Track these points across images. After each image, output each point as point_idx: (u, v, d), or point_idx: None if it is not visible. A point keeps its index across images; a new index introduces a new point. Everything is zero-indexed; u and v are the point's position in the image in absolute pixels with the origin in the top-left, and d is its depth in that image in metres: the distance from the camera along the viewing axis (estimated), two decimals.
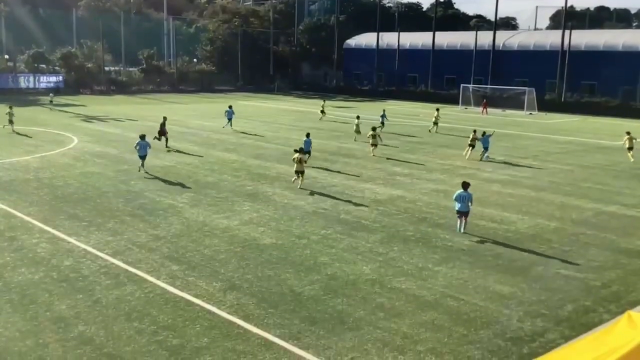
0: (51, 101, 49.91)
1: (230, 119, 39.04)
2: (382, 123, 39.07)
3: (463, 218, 16.80)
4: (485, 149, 29.56)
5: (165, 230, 16.21)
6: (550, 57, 64.39)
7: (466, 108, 61.16)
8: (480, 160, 29.03)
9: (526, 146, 34.76)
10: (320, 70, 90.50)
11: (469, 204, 16.65)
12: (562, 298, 12.17)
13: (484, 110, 55.90)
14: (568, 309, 11.66)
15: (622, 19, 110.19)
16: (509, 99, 59.86)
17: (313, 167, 26.08)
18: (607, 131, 42.65)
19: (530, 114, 56.66)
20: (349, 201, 20.01)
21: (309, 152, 26.22)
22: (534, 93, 59.11)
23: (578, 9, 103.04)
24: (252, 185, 22.27)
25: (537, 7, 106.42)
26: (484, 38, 71.25)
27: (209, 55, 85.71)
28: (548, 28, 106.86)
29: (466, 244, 15.58)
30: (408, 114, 53.91)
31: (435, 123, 39.54)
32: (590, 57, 62.17)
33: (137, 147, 24.51)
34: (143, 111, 51.19)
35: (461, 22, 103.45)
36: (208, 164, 26.35)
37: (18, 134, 34.17)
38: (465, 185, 16.83)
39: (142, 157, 24.43)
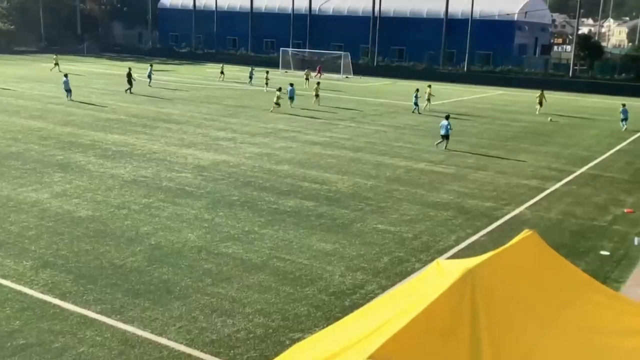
0: None
1: (68, 90, 33.97)
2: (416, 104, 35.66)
3: (445, 140, 24.45)
4: (416, 104, 35.20)
5: None
6: (363, 22, 67.29)
7: (286, 71, 61.99)
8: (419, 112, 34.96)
9: (343, 109, 36.16)
10: (134, 31, 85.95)
11: (449, 129, 24.31)
12: (379, 251, 12.97)
13: (319, 74, 56.82)
14: (384, 260, 12.47)
15: None
16: (327, 63, 61.72)
17: (131, 134, 24.91)
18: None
19: (347, 77, 58.97)
20: (171, 168, 19.45)
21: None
22: (349, 57, 61.49)
23: None
24: (63, 154, 20.71)
25: None
26: (301, 2, 72.37)
27: (6, 13, 77.44)
28: None
29: (290, 206, 15.94)
30: (229, 77, 53.29)
31: None
32: (399, 23, 66.05)
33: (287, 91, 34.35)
34: None
35: None
36: (10, 133, 23.99)
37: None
38: (447, 117, 25.11)
39: (291, 99, 34.52)
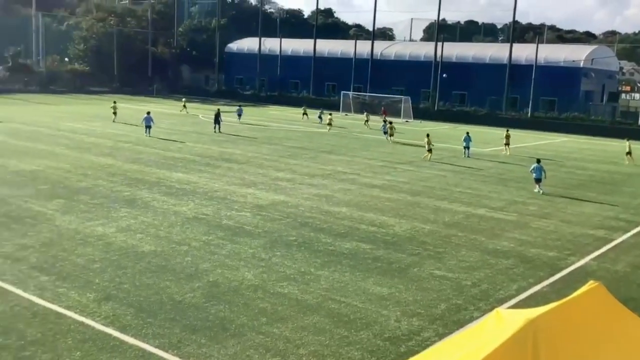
0: None
1: (149, 126, 37.28)
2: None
3: (539, 184, 24.76)
4: (467, 147, 35.27)
5: (33, 239, 15.17)
6: (425, 67, 67.51)
7: (346, 114, 62.62)
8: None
9: (403, 152, 36.16)
10: (201, 74, 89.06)
11: (542, 173, 24.67)
12: (436, 297, 12.73)
13: (384, 116, 57.33)
14: (441, 307, 12.22)
15: (489, 33, 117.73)
16: (387, 107, 62.04)
17: (194, 173, 25.57)
18: (476, 139, 45.25)
19: (407, 121, 59.01)
20: (231, 207, 19.80)
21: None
22: (410, 101, 61.66)
23: (449, 22, 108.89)
24: (130, 190, 21.43)
25: (412, 19, 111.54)
26: (363, 47, 73.48)
27: (82, 55, 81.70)
28: (422, 40, 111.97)
29: (347, 248, 15.90)
30: (290, 119, 54.34)
31: None
32: (461, 68, 65.94)
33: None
34: (9, 112, 47.84)
35: (341, 30, 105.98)
36: (81, 169, 25.04)
37: None
38: (538, 160, 25.46)
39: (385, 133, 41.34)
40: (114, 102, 46.13)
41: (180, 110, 55.00)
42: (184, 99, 59.54)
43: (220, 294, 12.23)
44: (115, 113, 44.29)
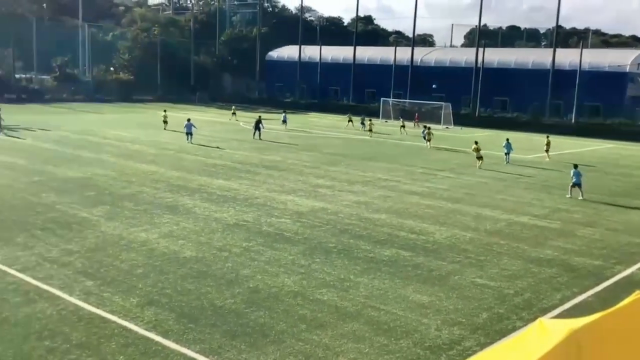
0: None
1: (190, 133, 38.13)
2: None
3: (578, 188, 24.53)
4: (507, 154, 34.87)
5: (79, 244, 15.57)
6: (465, 73, 66.85)
7: (386, 121, 62.39)
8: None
9: (443, 159, 35.84)
10: (242, 82, 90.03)
11: (581, 177, 24.54)
12: (477, 306, 12.56)
13: (417, 122, 57.42)
14: (483, 316, 12.04)
15: (532, 38, 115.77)
16: (427, 113, 61.63)
17: (234, 179, 25.85)
18: (519, 145, 44.53)
19: (447, 128, 58.46)
20: (271, 213, 19.94)
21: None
22: (450, 108, 61.07)
23: (491, 27, 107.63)
24: (172, 197, 21.79)
25: (452, 25, 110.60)
26: (403, 54, 73.18)
27: (127, 64, 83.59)
28: (463, 45, 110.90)
29: (386, 255, 15.83)
30: (330, 126, 54.46)
31: None
32: (503, 74, 65.07)
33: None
34: (57, 120, 49.23)
35: (381, 37, 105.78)
36: (126, 176, 25.59)
37: None
38: (575, 166, 25.34)
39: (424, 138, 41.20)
40: (165, 111, 46.88)
41: (230, 119, 56.09)
42: (233, 107, 60.49)
43: (260, 300, 12.31)
44: (166, 122, 45.04)
